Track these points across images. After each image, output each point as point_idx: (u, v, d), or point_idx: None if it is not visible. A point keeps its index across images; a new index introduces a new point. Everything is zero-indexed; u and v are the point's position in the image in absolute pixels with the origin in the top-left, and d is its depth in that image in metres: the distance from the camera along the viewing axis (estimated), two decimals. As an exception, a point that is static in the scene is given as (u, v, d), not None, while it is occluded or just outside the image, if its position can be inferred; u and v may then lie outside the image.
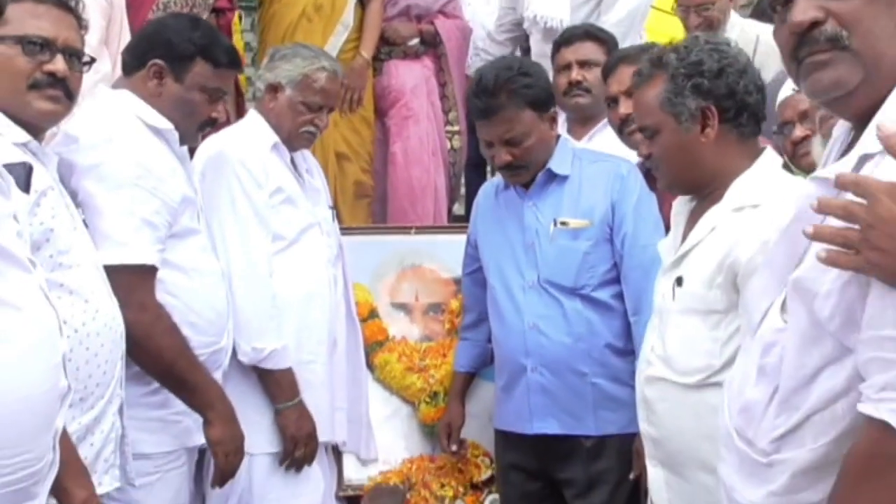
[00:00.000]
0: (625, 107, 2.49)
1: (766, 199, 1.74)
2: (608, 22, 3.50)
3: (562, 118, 2.93)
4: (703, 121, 1.83)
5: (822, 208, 1.05)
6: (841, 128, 1.26)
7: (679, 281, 1.83)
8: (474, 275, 2.64)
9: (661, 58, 1.87)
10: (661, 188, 1.96)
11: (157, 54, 2.11)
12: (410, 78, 3.76)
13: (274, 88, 2.49)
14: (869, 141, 1.09)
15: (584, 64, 2.93)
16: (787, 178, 1.85)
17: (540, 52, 3.58)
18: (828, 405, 1.10)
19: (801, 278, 1.12)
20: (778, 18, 1.20)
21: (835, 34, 1.12)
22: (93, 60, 1.88)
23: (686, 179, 1.88)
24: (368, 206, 3.72)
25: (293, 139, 2.50)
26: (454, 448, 2.71)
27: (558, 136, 2.51)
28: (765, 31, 3.17)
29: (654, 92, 1.86)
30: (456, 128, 3.86)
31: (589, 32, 3.03)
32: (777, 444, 1.15)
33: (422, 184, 3.71)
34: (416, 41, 3.77)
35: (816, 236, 1.06)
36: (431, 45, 3.80)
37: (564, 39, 3.01)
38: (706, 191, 1.86)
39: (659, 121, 1.85)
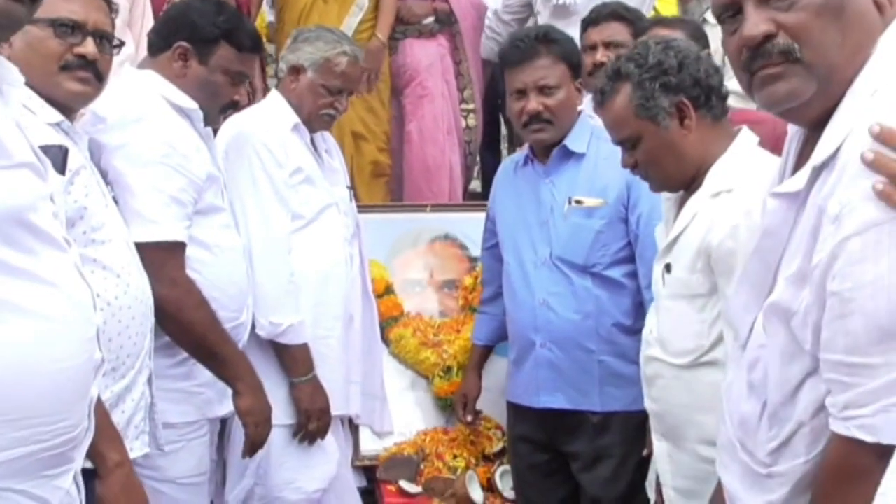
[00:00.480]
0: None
1: (740, 184, 1.79)
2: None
3: (587, 99, 2.95)
4: (679, 115, 1.87)
5: (877, 167, 1.02)
6: (794, 127, 1.26)
7: (668, 267, 1.89)
8: (492, 250, 2.66)
9: (618, 70, 1.90)
10: (656, 191, 1.97)
11: (183, 36, 2.14)
12: (425, 57, 3.78)
13: (296, 70, 2.53)
14: (823, 151, 1.09)
15: (609, 45, 2.87)
16: (761, 159, 1.85)
17: None
18: (815, 416, 1.13)
19: (777, 301, 1.14)
20: (725, 29, 1.20)
21: (787, 47, 1.11)
22: (122, 44, 1.91)
23: (677, 176, 1.90)
24: (386, 184, 3.76)
25: (313, 121, 2.54)
26: (469, 419, 2.76)
27: (580, 112, 2.52)
28: None
29: (624, 103, 1.88)
30: (471, 106, 3.88)
31: (616, 13, 2.96)
32: (774, 457, 1.17)
33: (437, 162, 3.74)
34: (430, 20, 3.79)
35: (876, 164, 1.02)
36: (446, 23, 3.82)
37: (591, 19, 2.97)
38: (696, 181, 1.89)
39: (638, 128, 1.87)
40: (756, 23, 1.13)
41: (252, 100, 3.28)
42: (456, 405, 2.80)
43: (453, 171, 3.80)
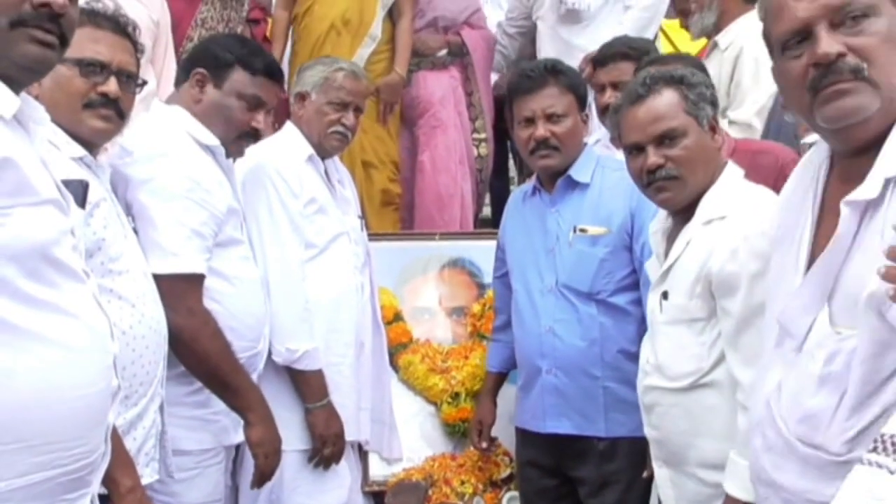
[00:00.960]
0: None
1: (732, 211, 1.85)
2: (638, 6, 3.56)
3: (604, 132, 2.97)
4: (712, 129, 1.95)
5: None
6: (818, 152, 1.36)
7: (665, 295, 1.93)
8: (503, 278, 2.71)
9: (666, 75, 1.96)
10: (674, 204, 1.95)
11: (201, 64, 2.24)
12: (438, 88, 3.86)
13: (302, 97, 2.61)
14: (892, 165, 1.19)
15: (617, 86, 2.85)
16: (749, 189, 1.93)
17: (551, 39, 3.66)
18: None
19: (874, 292, 1.19)
20: (789, 55, 1.31)
21: (857, 66, 1.25)
22: (145, 82, 1.99)
23: (699, 189, 1.92)
24: (395, 212, 3.81)
25: (324, 142, 2.59)
26: (484, 445, 2.78)
27: (585, 143, 2.59)
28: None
29: (673, 99, 1.93)
30: (483, 135, 3.95)
31: (621, 52, 2.96)
32: (851, 444, 1.23)
33: (449, 191, 3.80)
34: (444, 52, 3.88)
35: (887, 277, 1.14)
36: (458, 55, 3.90)
37: (599, 60, 3.00)
38: (690, 209, 1.93)
39: (684, 123, 1.91)
40: (830, 43, 1.26)
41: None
42: (471, 432, 2.83)
43: (465, 200, 3.86)
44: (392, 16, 3.73)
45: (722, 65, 3.21)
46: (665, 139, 1.92)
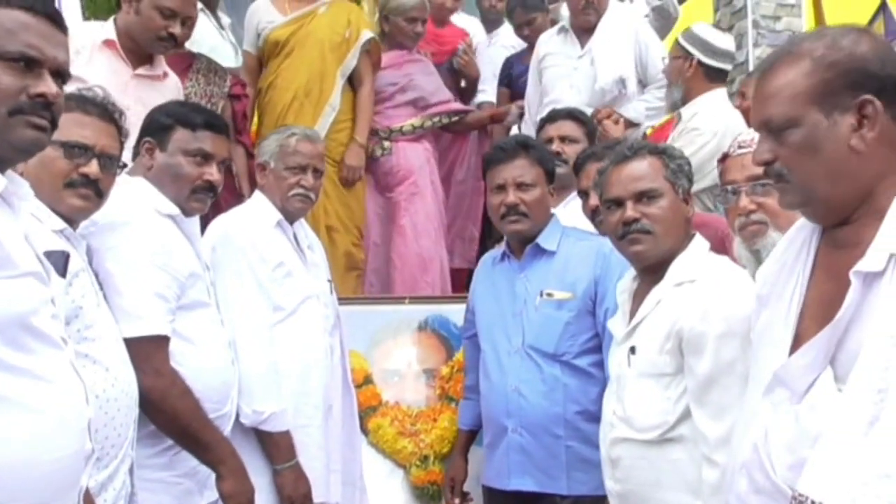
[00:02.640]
0: (593, 199, 2.70)
1: (701, 276, 1.99)
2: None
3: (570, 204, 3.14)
4: (685, 201, 2.12)
5: None
6: (804, 229, 1.51)
7: (633, 350, 2.03)
8: (473, 339, 2.81)
9: (654, 145, 2.12)
10: (642, 258, 2.07)
11: (148, 133, 2.35)
12: (416, 157, 4.05)
13: (262, 167, 2.73)
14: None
15: (564, 139, 3.22)
16: (714, 258, 2.09)
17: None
18: None
19: None
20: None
21: (779, 171, 1.44)
22: (125, 165, 2.09)
23: (668, 249, 2.07)
24: (358, 277, 3.91)
25: (287, 205, 2.67)
26: (457, 501, 2.83)
27: (552, 215, 2.73)
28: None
29: (655, 164, 2.09)
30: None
31: (571, 113, 3.33)
32: None
33: (430, 254, 3.96)
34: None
35: None
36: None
37: (549, 118, 3.31)
38: (663, 266, 2.05)
39: (662, 186, 2.08)
40: (761, 151, 1.46)
41: (237, 184, 3.46)
42: (444, 489, 2.88)
43: (443, 264, 4.01)
44: (352, 85, 3.88)
45: (682, 136, 3.41)
46: (644, 196, 2.07)
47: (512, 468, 2.53)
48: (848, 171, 1.38)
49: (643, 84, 4.03)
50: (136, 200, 2.25)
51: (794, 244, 1.53)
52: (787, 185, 1.43)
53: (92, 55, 2.98)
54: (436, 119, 4.11)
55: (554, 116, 3.31)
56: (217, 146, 2.34)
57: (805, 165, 1.40)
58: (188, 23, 3.13)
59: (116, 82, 2.84)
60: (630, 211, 2.06)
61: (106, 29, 3.10)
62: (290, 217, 2.70)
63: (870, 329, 1.28)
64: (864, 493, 1.18)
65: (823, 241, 1.48)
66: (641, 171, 2.09)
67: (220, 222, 2.63)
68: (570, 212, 2.98)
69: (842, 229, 1.43)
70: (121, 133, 2.07)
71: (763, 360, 1.49)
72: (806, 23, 5.08)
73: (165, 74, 3.19)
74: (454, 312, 3.11)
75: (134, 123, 2.16)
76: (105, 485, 1.87)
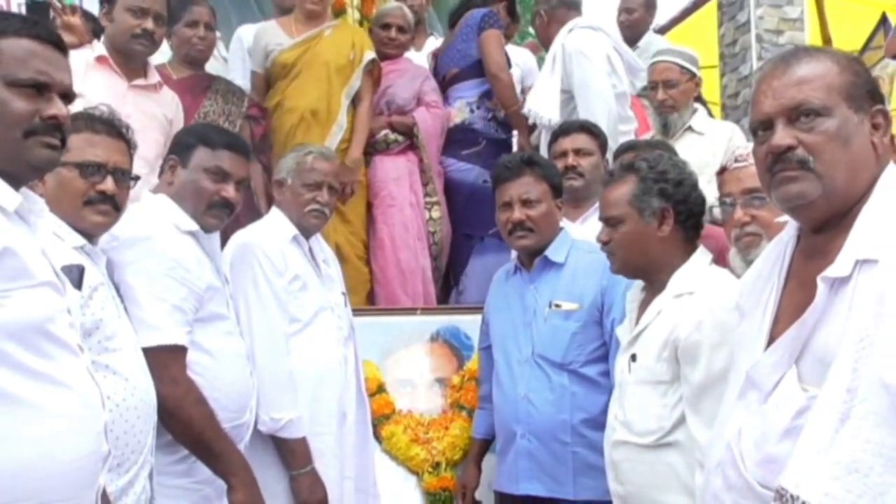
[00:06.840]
0: None
1: (699, 287, 2.06)
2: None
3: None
4: (661, 219, 2.16)
5: None
6: (788, 231, 1.56)
7: (634, 357, 2.12)
8: (487, 350, 2.88)
9: (632, 164, 2.21)
10: (614, 271, 2.28)
11: (172, 152, 2.46)
12: (394, 170, 4.08)
13: (280, 184, 2.82)
14: (863, 248, 1.35)
15: (578, 151, 3.17)
16: (714, 270, 2.16)
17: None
18: None
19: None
20: (758, 140, 1.52)
21: (803, 158, 1.44)
22: (138, 178, 2.19)
23: (636, 265, 2.20)
24: (364, 290, 3.95)
25: (303, 221, 2.75)
26: None
27: (561, 228, 2.80)
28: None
29: (624, 189, 2.19)
30: (434, 198, 4.11)
31: (583, 125, 3.30)
32: None
33: (410, 266, 3.97)
34: (384, 132, 4.10)
35: None
36: (409, 135, 4.11)
37: (562, 130, 3.27)
38: (651, 278, 2.16)
39: (625, 213, 2.19)
40: (782, 136, 1.46)
41: (255, 202, 3.55)
42: (456, 496, 2.93)
43: (425, 275, 4.01)
44: (353, 102, 3.95)
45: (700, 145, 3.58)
46: (610, 221, 2.25)
47: (521, 473, 2.59)
48: (866, 168, 1.44)
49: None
50: (156, 217, 2.34)
51: (769, 256, 1.59)
52: (807, 172, 1.43)
53: (87, 73, 3.09)
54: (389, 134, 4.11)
55: (567, 129, 3.26)
56: (235, 166, 2.42)
57: (835, 154, 1.43)
58: (160, 20, 3.23)
59: (114, 95, 2.97)
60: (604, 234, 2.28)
61: (96, 48, 3.23)
62: (306, 232, 2.78)
63: (837, 332, 1.33)
64: (835, 487, 1.23)
65: (797, 252, 1.54)
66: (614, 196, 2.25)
67: (238, 237, 2.72)
68: (588, 228, 2.99)
69: (815, 239, 1.48)
70: (130, 147, 2.17)
71: (739, 364, 1.55)
72: (809, 37, 5.12)
73: (161, 85, 3.30)
74: (465, 323, 3.18)
75: (136, 131, 2.24)
76: (125, 489, 1.94)
